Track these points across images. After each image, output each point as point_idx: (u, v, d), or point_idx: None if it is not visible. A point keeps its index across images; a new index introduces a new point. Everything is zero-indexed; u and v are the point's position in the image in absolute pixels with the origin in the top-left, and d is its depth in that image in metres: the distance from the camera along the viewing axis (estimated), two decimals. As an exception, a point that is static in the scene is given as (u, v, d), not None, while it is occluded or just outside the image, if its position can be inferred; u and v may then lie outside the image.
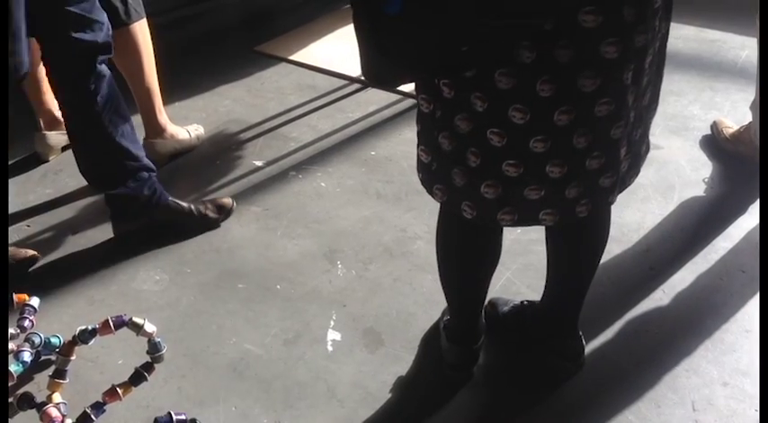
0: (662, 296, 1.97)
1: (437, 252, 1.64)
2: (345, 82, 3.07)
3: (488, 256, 1.62)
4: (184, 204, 2.25)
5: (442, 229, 1.60)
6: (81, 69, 1.95)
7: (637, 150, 1.45)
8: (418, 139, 1.49)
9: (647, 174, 2.44)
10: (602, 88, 1.25)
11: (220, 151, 2.64)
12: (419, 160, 1.50)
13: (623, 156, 1.39)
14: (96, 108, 1.98)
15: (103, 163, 2.11)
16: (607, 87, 1.25)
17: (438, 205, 1.50)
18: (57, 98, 2.11)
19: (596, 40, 1.21)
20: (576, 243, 1.62)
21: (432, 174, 1.45)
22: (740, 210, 2.26)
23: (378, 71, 1.27)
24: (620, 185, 1.45)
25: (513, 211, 1.38)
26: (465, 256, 1.62)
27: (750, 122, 2.41)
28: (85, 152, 2.12)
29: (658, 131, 2.65)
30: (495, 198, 1.36)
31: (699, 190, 2.36)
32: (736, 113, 2.67)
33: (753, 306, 1.91)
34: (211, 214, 2.27)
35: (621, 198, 2.30)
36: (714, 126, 2.59)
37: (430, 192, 1.49)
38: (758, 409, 1.64)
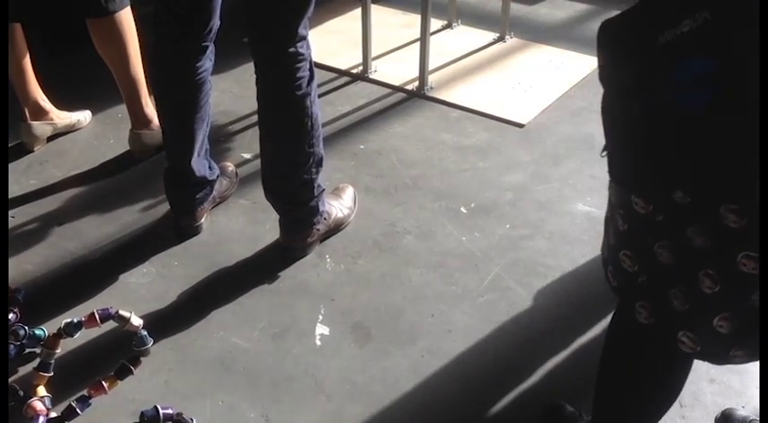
0: (650, 292, 1.97)
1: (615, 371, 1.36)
2: (335, 75, 3.06)
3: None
4: (224, 181, 2.32)
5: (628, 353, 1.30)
6: None
7: None
8: (617, 239, 1.17)
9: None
10: None
11: (209, 143, 2.62)
12: (618, 265, 1.18)
13: None
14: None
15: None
16: None
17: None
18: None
19: None
20: None
21: (638, 288, 1.15)
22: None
23: (658, 175, 1.00)
24: None
25: (744, 347, 1.10)
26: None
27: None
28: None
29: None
30: (729, 333, 1.07)
31: (687, 187, 2.36)
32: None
33: (740, 303, 1.91)
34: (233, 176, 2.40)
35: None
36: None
37: (630, 309, 1.17)
38: (745, 405, 1.65)
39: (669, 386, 1.31)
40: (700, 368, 1.74)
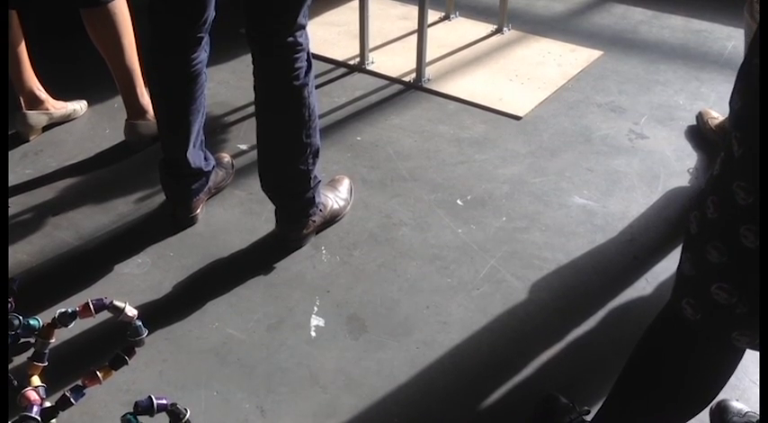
0: (645, 285, 1.97)
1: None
2: (332, 66, 3.05)
3: None
4: (220, 172, 2.32)
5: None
6: None
7: None
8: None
9: (633, 163, 2.44)
10: None
11: (205, 134, 2.62)
12: (711, 299, 1.15)
13: None
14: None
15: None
16: None
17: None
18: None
19: None
20: None
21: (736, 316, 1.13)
22: (724, 200, 2.26)
23: None
24: None
25: None
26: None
27: (736, 114, 2.41)
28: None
29: (644, 121, 2.66)
30: None
31: (683, 180, 2.36)
32: (722, 104, 2.67)
33: (735, 296, 1.92)
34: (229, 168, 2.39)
35: (607, 188, 2.33)
36: (700, 116, 2.60)
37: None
38: (739, 397, 1.65)
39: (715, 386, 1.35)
40: (694, 361, 1.75)
